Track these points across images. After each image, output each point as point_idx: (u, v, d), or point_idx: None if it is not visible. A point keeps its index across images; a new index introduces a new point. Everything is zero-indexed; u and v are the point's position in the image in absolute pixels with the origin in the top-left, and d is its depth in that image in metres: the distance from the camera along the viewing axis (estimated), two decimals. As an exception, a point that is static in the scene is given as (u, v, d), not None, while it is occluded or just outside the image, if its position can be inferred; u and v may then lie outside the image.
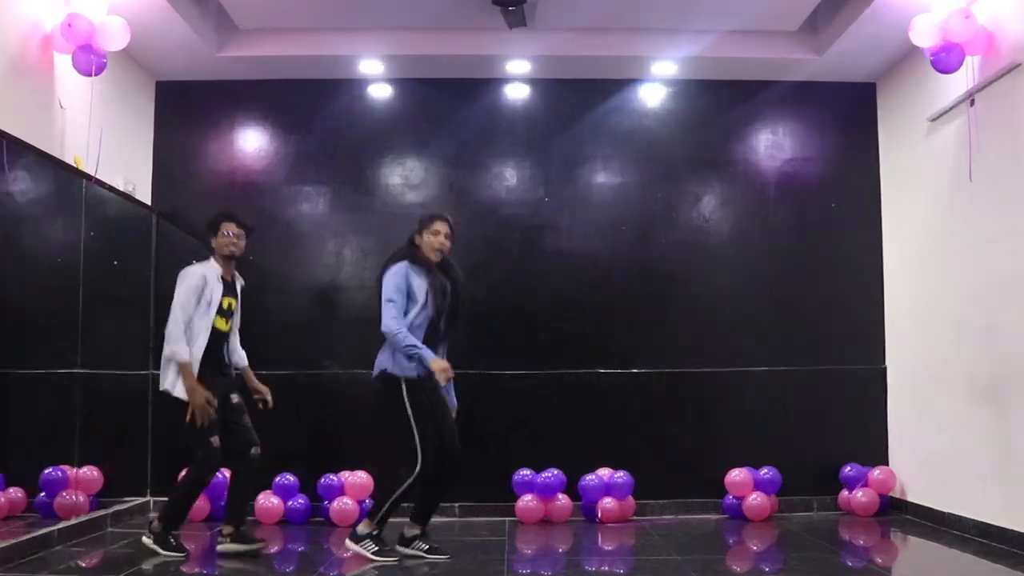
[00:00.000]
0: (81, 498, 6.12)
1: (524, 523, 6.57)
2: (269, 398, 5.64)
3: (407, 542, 5.23)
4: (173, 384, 5.22)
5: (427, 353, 5.05)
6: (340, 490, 6.59)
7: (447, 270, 5.37)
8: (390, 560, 5.09)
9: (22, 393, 5.79)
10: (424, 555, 5.19)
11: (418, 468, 5.00)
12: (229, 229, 5.39)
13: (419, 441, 5.04)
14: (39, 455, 5.93)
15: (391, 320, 5.07)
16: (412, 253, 5.27)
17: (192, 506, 5.55)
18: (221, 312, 5.39)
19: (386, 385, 5.17)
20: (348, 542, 5.18)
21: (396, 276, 5.17)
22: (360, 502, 6.51)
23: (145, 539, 5.33)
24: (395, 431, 5.16)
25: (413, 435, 5.06)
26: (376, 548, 5.12)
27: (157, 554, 5.20)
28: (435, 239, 5.26)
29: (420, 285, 5.20)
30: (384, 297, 5.13)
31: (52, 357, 6.00)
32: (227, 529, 5.36)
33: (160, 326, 6.35)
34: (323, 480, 6.61)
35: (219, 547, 5.37)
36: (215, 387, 5.30)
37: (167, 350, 5.25)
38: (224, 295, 5.41)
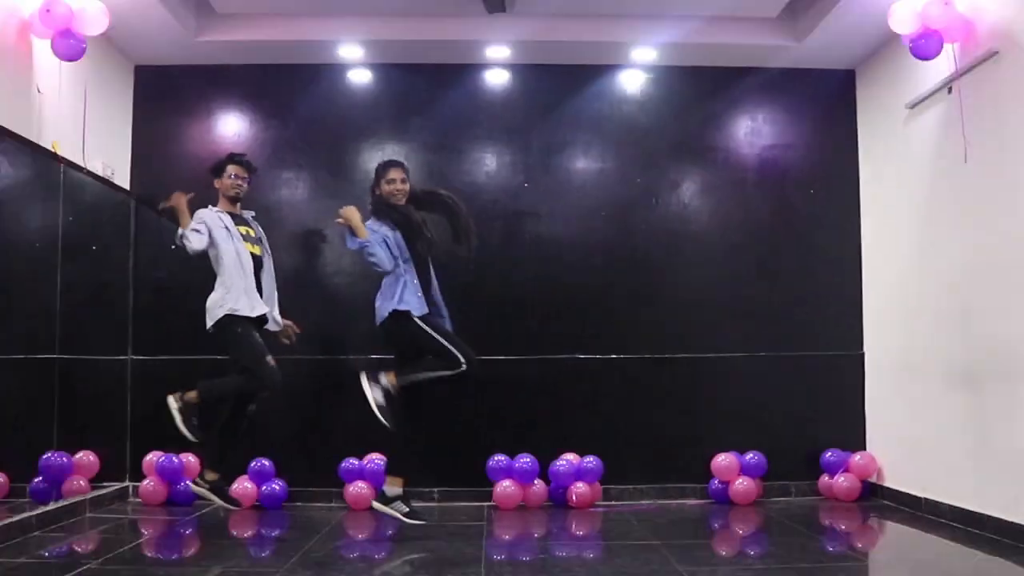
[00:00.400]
0: (82, 482, 6.14)
1: (501, 508, 6.54)
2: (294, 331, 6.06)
3: (388, 501, 5.32)
4: (215, 312, 5.44)
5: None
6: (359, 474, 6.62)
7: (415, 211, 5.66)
8: (419, 522, 5.28)
9: (-2, 379, 5.73)
10: (402, 518, 5.29)
11: (462, 362, 5.26)
12: (233, 171, 5.62)
13: (448, 343, 5.32)
14: (17, 441, 5.87)
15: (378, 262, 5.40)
16: (374, 205, 5.62)
17: (239, 434, 5.66)
18: (247, 239, 5.63)
19: (397, 321, 5.38)
20: (376, 504, 5.37)
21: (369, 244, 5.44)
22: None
23: (196, 487, 5.53)
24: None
25: (440, 343, 5.31)
26: (407, 510, 5.28)
27: (210, 501, 5.51)
28: (391, 187, 5.52)
29: (388, 236, 5.45)
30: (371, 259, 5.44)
31: (29, 343, 5.94)
32: (211, 475, 5.48)
33: (139, 314, 6.76)
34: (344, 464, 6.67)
35: (194, 487, 5.53)
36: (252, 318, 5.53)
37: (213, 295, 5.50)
38: (236, 225, 5.61)
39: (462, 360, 5.23)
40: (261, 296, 5.65)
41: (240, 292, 5.46)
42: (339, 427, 6.87)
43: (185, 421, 5.39)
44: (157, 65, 7.15)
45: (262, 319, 5.64)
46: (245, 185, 5.74)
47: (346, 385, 6.36)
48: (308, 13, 6.70)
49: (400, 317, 5.35)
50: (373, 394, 5.24)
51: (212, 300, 5.50)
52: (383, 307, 5.42)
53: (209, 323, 5.49)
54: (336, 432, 6.88)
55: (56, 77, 5.91)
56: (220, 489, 5.53)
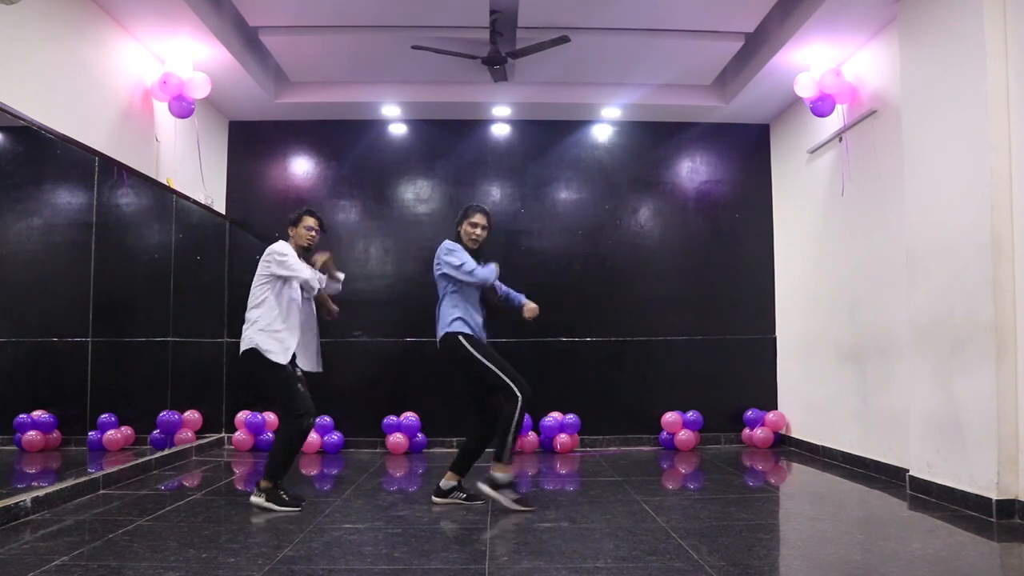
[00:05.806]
0: (189, 434, 6.08)
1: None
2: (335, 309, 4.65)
3: (444, 493, 4.33)
4: (264, 346, 4.20)
5: (488, 272, 4.21)
6: (396, 427, 6.52)
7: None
8: (529, 510, 4.10)
9: (127, 356, 5.67)
10: (463, 502, 4.30)
11: (519, 395, 4.05)
12: (309, 223, 4.44)
13: (503, 375, 4.09)
14: (141, 403, 5.83)
15: (475, 269, 4.15)
16: (458, 238, 4.32)
17: (295, 458, 4.33)
18: (303, 292, 4.42)
19: (451, 345, 4.19)
20: (485, 487, 4.13)
21: (457, 250, 4.23)
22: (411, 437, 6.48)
23: (255, 499, 4.22)
24: (476, 379, 4.24)
25: (495, 375, 4.08)
26: (516, 497, 4.14)
27: (271, 511, 4.13)
28: (472, 230, 4.30)
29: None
30: (458, 262, 4.15)
31: (150, 329, 5.89)
32: (265, 484, 4.22)
33: (232, 308, 6.46)
34: (385, 419, 6.61)
35: (254, 500, 4.23)
36: (297, 355, 4.32)
37: (257, 322, 4.23)
38: None
39: (518, 393, 4.08)
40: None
41: (293, 343, 4.26)
42: (381, 392, 6.78)
43: (279, 501, 4.17)
44: (246, 120, 7.08)
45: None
46: (317, 239, 4.53)
47: (386, 361, 6.59)
48: (359, 81, 6.60)
49: (451, 339, 4.22)
50: (504, 497, 4.08)
51: (253, 330, 4.25)
52: (449, 327, 4.25)
53: (243, 347, 4.26)
54: (379, 395, 6.78)
55: (171, 130, 5.89)
56: (276, 495, 4.21)
